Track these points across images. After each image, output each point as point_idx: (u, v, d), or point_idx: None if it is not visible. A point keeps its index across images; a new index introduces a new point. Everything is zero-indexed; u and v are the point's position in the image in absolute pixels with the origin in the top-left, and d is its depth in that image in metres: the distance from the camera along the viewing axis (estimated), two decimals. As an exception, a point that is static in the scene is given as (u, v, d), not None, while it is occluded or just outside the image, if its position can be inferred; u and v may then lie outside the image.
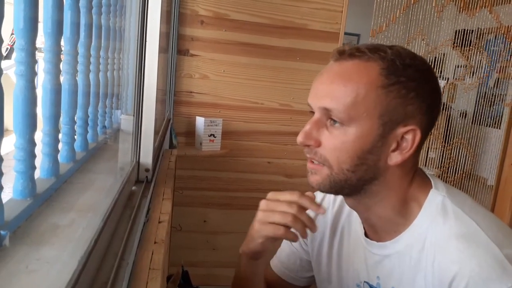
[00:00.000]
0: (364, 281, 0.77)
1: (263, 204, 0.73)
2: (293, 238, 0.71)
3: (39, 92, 0.60)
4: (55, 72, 0.67)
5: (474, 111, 4.12)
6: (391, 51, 0.64)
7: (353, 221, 0.80)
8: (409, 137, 0.64)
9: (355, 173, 0.65)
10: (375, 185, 0.67)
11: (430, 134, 3.80)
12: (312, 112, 0.68)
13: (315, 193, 0.74)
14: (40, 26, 0.56)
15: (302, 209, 0.70)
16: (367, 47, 0.65)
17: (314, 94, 0.67)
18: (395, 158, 0.65)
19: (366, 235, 0.77)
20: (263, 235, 0.72)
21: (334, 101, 0.64)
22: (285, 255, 0.94)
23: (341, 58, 0.66)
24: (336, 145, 0.65)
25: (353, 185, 0.67)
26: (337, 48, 0.67)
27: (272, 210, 0.71)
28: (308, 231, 0.88)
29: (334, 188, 0.68)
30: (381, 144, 0.64)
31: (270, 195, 0.73)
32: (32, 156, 0.58)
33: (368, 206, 0.71)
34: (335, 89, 0.64)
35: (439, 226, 0.65)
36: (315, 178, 0.68)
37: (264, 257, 0.81)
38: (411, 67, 0.64)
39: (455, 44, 3.65)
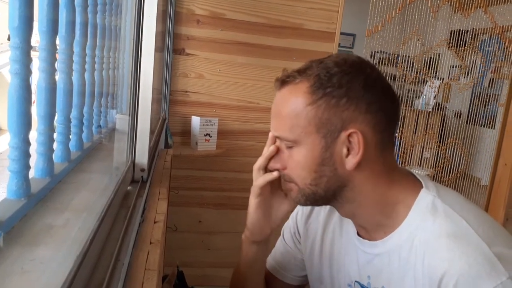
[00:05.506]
0: (355, 281, 0.77)
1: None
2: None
3: (34, 91, 0.60)
4: (50, 70, 0.66)
5: (469, 111, 4.15)
6: (318, 67, 0.67)
7: (345, 221, 0.81)
8: (354, 140, 0.66)
9: (318, 186, 0.69)
10: (347, 192, 0.70)
11: (425, 134, 3.81)
12: None
13: None
14: (35, 24, 0.55)
15: None
16: (298, 70, 0.69)
17: (270, 124, 0.74)
18: (350, 162, 0.67)
19: (359, 234, 0.77)
20: (259, 184, 0.77)
21: (279, 129, 0.71)
22: (279, 254, 0.94)
23: (278, 87, 0.71)
24: (294, 165, 0.71)
25: (323, 196, 0.71)
26: (276, 77, 0.72)
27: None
28: (302, 231, 0.89)
29: (308, 201, 0.72)
30: (329, 155, 0.67)
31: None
32: (27, 155, 0.57)
33: (351, 212, 0.73)
34: (276, 118, 0.72)
35: (429, 225, 0.66)
36: (292, 195, 0.74)
37: (264, 243, 0.83)
38: (337, 75, 0.66)
39: (450, 44, 3.68)
